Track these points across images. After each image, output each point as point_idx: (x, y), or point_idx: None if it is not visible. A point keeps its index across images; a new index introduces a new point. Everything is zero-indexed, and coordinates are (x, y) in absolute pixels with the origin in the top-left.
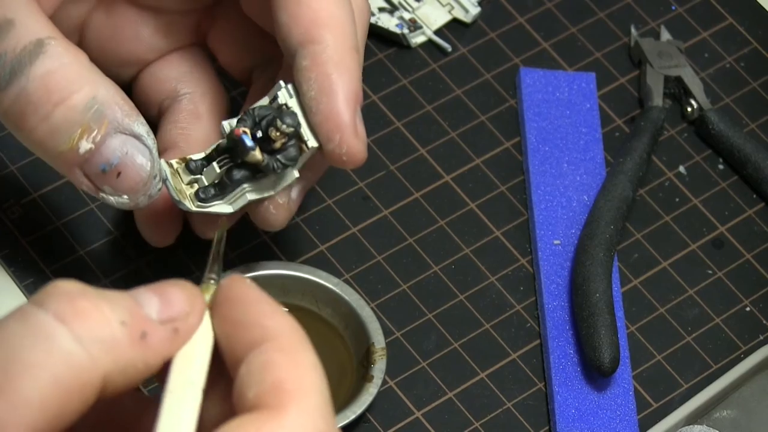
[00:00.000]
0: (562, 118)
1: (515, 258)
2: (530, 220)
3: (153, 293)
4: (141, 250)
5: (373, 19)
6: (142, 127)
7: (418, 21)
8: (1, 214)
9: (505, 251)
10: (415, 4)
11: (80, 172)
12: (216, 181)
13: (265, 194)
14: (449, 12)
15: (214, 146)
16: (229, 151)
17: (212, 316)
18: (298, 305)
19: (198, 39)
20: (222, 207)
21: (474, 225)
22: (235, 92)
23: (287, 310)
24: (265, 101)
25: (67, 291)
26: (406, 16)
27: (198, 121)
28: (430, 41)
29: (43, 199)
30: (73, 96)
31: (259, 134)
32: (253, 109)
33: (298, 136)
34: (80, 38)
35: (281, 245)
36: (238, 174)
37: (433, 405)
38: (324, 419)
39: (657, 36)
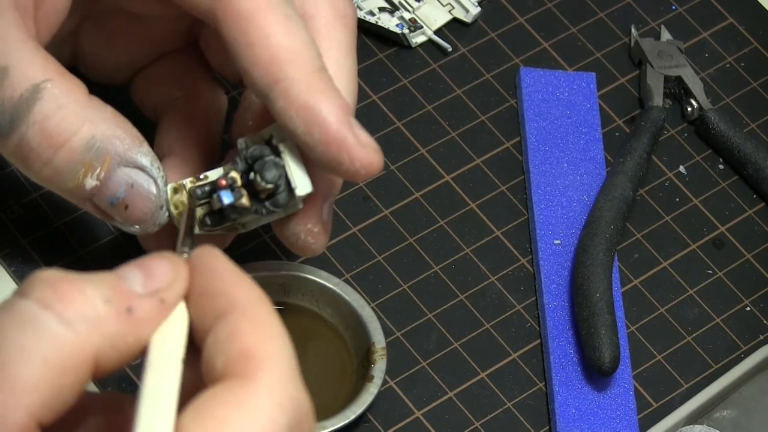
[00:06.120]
0: (562, 118)
1: (515, 258)
2: (530, 220)
3: (136, 268)
4: (141, 250)
5: (373, 19)
6: (145, 158)
7: (419, 21)
8: (1, 214)
9: (506, 251)
10: (415, 4)
11: (91, 204)
12: (217, 207)
13: (274, 218)
14: (449, 12)
15: (220, 169)
16: None
17: None
18: (299, 305)
19: (191, 41)
20: (231, 228)
21: (474, 225)
22: (235, 92)
23: (287, 309)
24: (258, 137)
25: (48, 277)
26: (407, 15)
27: (193, 126)
28: (430, 41)
29: (43, 199)
30: (72, 138)
31: (251, 176)
32: (246, 149)
33: (286, 182)
34: (74, 46)
35: (281, 245)
36: (234, 211)
37: (434, 405)
38: (294, 385)
39: (657, 36)
